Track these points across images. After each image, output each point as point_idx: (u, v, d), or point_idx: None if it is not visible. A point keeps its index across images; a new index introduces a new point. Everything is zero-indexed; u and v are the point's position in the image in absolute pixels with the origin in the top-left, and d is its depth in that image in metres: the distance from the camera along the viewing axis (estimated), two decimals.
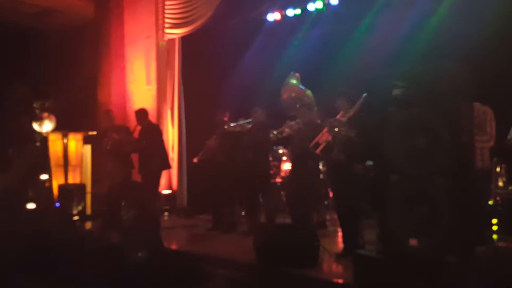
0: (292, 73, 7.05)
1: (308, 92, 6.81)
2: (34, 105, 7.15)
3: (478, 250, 3.67)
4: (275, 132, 5.57)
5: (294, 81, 7.05)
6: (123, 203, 3.47)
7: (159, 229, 3.98)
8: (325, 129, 4.70)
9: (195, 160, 6.75)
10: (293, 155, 5.83)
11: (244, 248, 4.76)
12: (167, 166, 6.75)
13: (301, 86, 6.89)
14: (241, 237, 5.65)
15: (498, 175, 5.26)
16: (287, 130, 5.47)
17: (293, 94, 6.79)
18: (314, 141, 4.83)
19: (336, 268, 4.34)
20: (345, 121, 4.50)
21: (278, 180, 7.13)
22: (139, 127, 6.54)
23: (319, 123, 5.34)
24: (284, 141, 5.65)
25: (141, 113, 6.54)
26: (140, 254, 3.34)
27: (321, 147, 4.69)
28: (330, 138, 4.62)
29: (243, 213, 6.69)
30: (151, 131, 6.53)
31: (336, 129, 4.49)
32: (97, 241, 3.64)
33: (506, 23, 5.23)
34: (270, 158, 6.49)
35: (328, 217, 6.21)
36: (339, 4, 6.87)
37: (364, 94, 4.47)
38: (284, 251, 4.21)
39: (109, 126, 6.75)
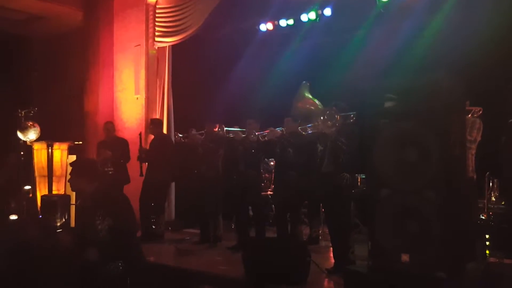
0: (304, 82, 6.96)
1: (318, 102, 6.73)
2: (19, 114, 7.00)
3: (469, 266, 3.59)
4: (256, 133, 5.58)
5: (308, 94, 6.97)
6: (98, 214, 3.32)
7: (137, 239, 3.84)
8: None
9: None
10: (275, 166, 5.76)
11: (232, 263, 4.68)
12: (173, 179, 6.77)
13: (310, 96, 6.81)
14: (229, 251, 5.52)
15: (491, 190, 5.20)
16: (267, 133, 5.50)
17: (311, 107, 6.73)
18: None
19: (328, 284, 4.25)
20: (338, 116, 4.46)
21: (269, 192, 7.00)
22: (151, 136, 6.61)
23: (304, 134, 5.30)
24: (266, 147, 5.55)
25: (156, 123, 6.64)
26: (116, 267, 3.19)
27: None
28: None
29: (232, 226, 6.56)
30: (160, 142, 6.48)
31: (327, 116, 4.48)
32: (74, 254, 3.49)
33: (500, 36, 5.21)
34: (261, 170, 6.36)
35: (321, 231, 6.09)
36: (333, 15, 6.81)
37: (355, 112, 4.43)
38: (273, 266, 4.10)
39: (104, 140, 6.72)
